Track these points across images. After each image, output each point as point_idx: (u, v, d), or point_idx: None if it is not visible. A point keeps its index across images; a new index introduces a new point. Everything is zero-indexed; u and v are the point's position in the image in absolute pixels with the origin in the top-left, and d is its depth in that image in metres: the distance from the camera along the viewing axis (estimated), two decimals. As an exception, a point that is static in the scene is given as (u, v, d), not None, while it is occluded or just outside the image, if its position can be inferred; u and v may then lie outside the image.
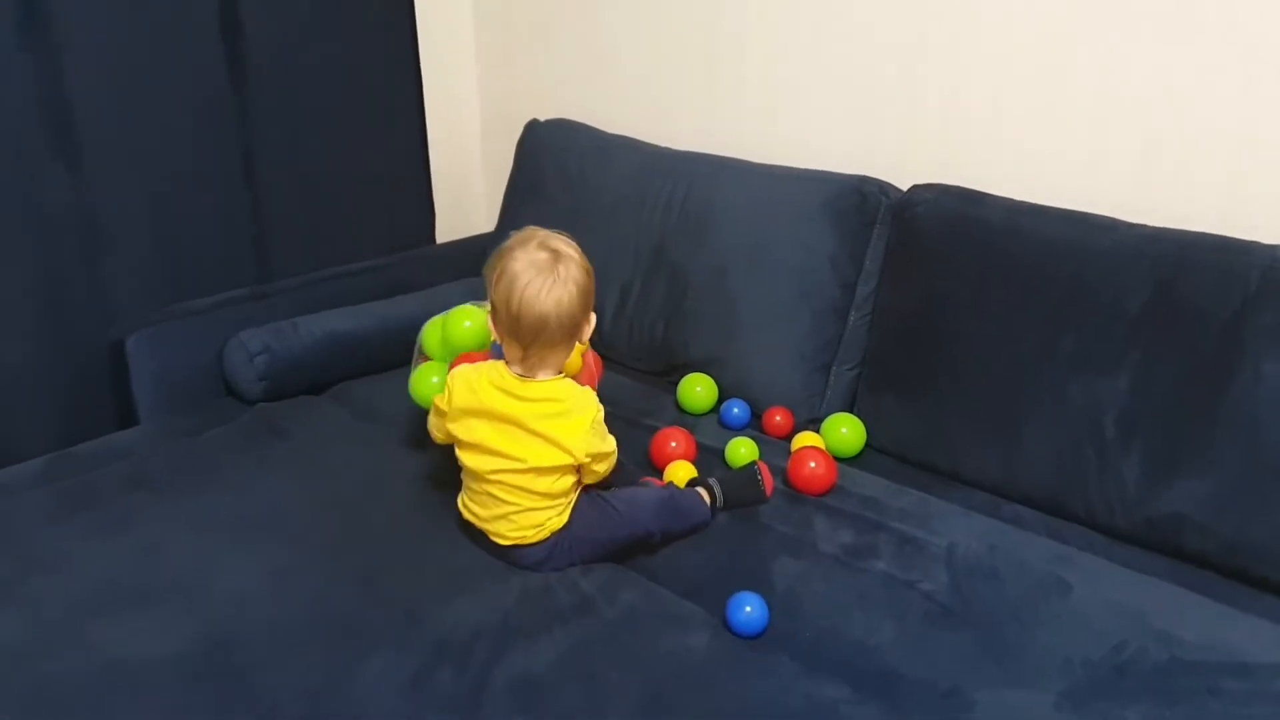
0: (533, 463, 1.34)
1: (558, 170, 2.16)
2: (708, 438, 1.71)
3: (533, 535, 1.37)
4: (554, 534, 1.38)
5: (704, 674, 1.20)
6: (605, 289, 2.02)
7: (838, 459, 1.67)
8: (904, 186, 1.75)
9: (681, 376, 1.88)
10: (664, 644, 1.24)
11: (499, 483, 1.36)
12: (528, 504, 1.36)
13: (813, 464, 1.54)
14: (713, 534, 1.47)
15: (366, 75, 2.21)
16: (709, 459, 1.65)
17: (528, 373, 1.36)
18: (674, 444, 1.63)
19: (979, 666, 1.21)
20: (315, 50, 2.08)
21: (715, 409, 1.83)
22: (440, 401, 1.41)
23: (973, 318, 1.58)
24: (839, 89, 1.87)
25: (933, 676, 1.19)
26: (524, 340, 1.33)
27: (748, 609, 1.26)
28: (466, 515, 1.43)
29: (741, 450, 1.63)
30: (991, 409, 1.56)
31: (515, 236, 1.38)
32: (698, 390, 1.82)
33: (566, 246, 1.36)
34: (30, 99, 1.69)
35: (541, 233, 1.38)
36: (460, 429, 1.39)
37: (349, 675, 1.18)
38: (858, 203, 1.73)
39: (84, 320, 1.84)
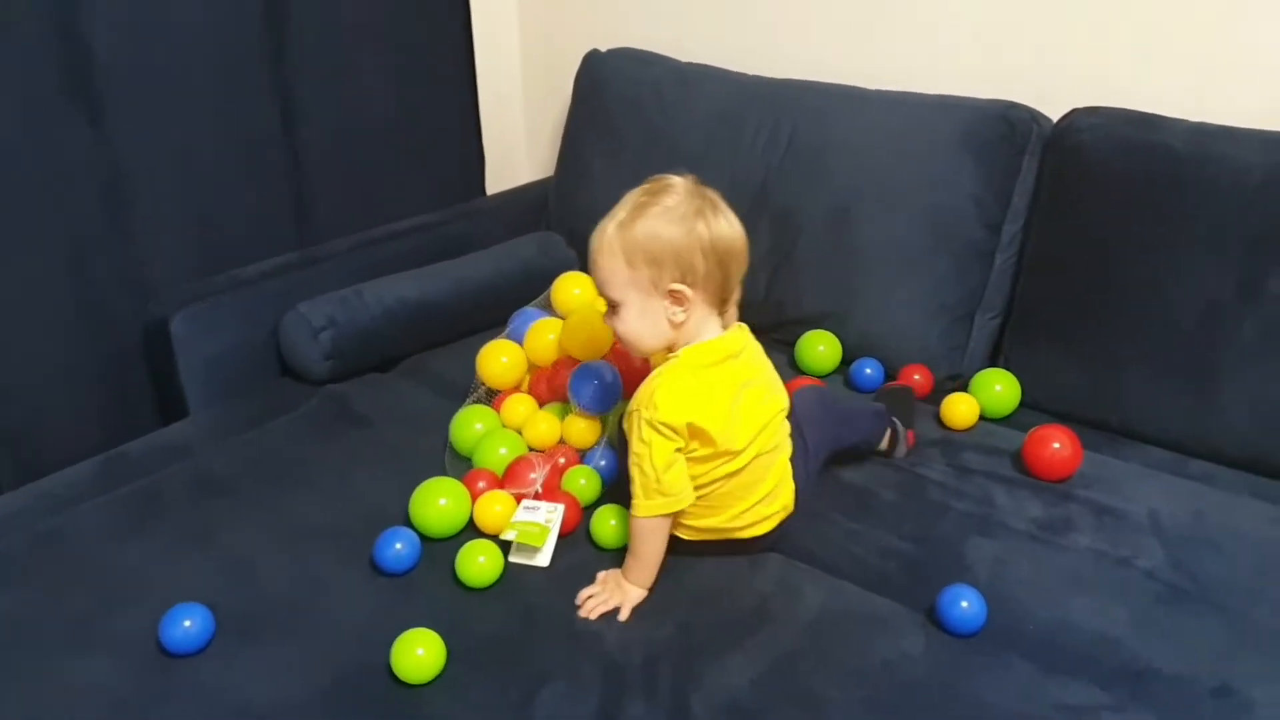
0: (785, 401, 1.22)
1: (629, 106, 1.93)
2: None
3: (787, 493, 1.23)
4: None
5: (934, 684, 1.04)
6: (692, 239, 1.82)
7: (990, 419, 1.51)
8: (1049, 113, 1.55)
9: (792, 334, 1.68)
10: (878, 652, 1.08)
11: (775, 449, 1.20)
12: (783, 463, 1.22)
13: (1056, 445, 1.33)
14: (885, 515, 1.30)
15: (410, 13, 1.95)
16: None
17: (731, 321, 1.19)
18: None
19: (1238, 656, 1.06)
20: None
21: (838, 370, 1.65)
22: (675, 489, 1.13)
23: (1154, 257, 1.40)
24: (966, 3, 1.66)
25: (1192, 671, 1.04)
26: (732, 283, 1.14)
27: (964, 604, 1.10)
28: (698, 532, 1.20)
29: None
30: (1179, 359, 1.39)
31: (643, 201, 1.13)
32: (820, 349, 1.63)
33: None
34: (44, 39, 1.43)
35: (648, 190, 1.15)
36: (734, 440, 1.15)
37: (525, 715, 1.00)
38: (1004, 132, 1.53)
39: (115, 297, 1.60)
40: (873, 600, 1.16)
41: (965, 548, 1.23)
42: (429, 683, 1.03)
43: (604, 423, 1.38)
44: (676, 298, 1.11)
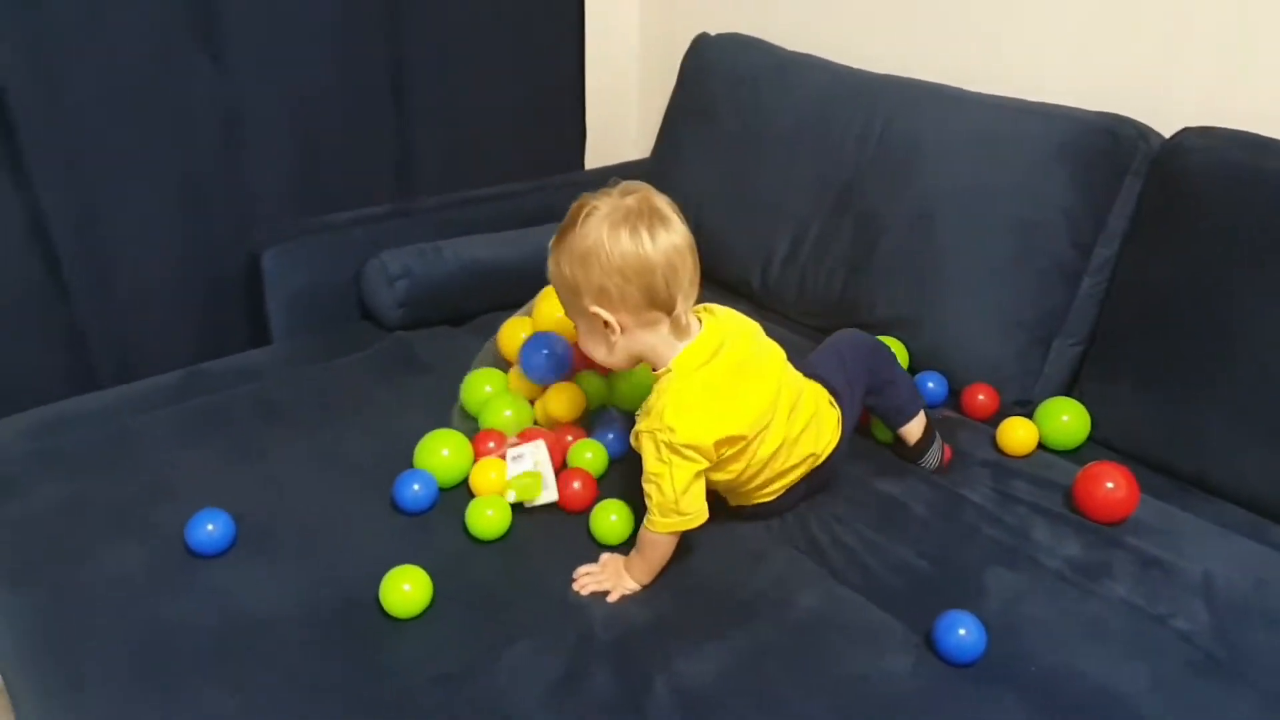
0: (780, 350, 1.24)
1: (729, 91, 1.91)
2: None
3: (831, 411, 1.27)
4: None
5: (908, 706, 1.00)
6: (777, 229, 1.79)
7: (1052, 450, 1.42)
8: (1162, 130, 1.44)
9: (863, 337, 1.63)
10: (857, 665, 1.04)
11: (799, 397, 1.22)
12: (810, 391, 1.25)
13: (1110, 484, 1.25)
14: (911, 530, 1.25)
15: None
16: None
17: (701, 314, 1.18)
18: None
19: (1266, 741, 0.96)
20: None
21: (903, 379, 1.58)
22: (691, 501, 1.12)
23: (1256, 296, 1.28)
24: (1081, 7, 1.56)
25: (1207, 747, 0.95)
26: (693, 283, 1.12)
27: (961, 631, 1.04)
28: (776, 491, 1.24)
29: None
30: (1268, 411, 1.26)
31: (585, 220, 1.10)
32: (886, 355, 1.57)
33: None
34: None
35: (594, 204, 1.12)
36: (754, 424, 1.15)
37: (492, 662, 1.02)
38: (1107, 147, 1.43)
39: (222, 228, 1.73)
40: (871, 613, 1.11)
41: (985, 576, 1.17)
42: (412, 618, 1.07)
43: (587, 396, 1.37)
44: (602, 320, 1.10)
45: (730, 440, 1.12)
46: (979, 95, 1.60)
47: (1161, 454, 1.37)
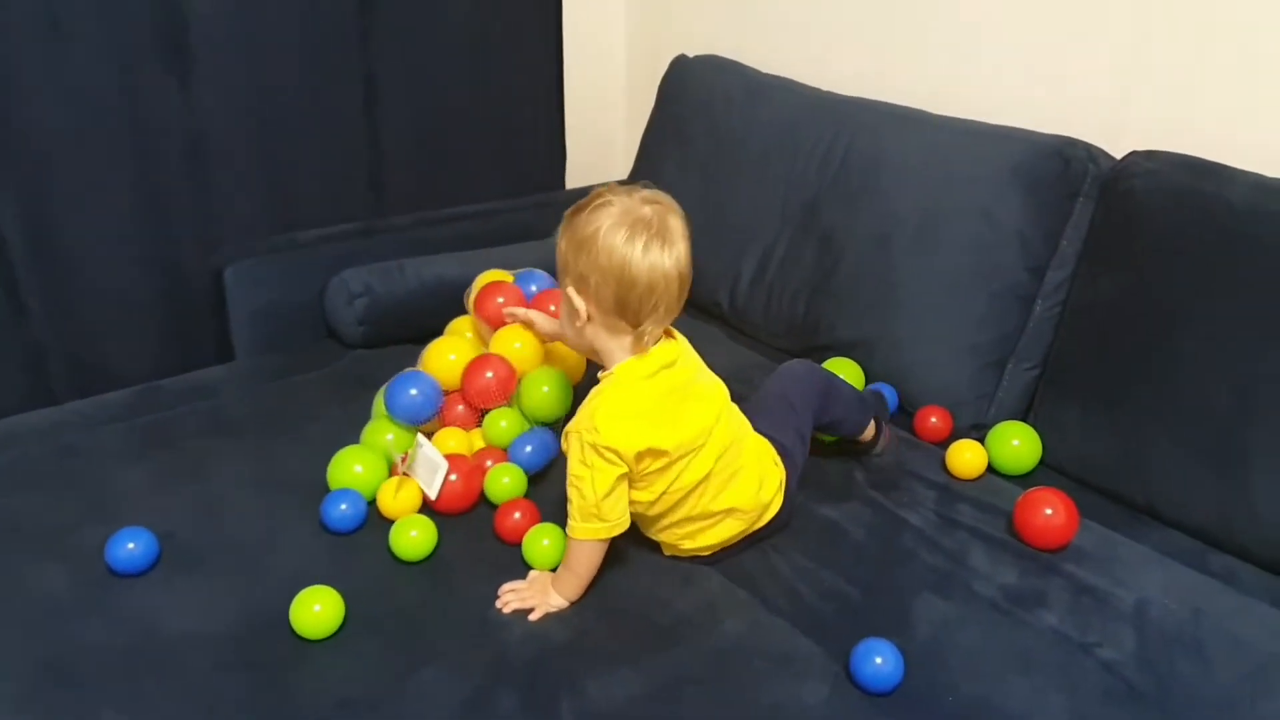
0: (725, 390, 1.22)
1: (703, 112, 1.91)
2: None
3: (776, 472, 1.23)
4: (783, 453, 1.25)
5: (817, 738, 0.98)
6: (745, 250, 1.79)
7: (1003, 475, 1.40)
8: (1116, 153, 1.42)
9: (820, 359, 1.61)
10: (771, 692, 1.02)
11: (735, 441, 1.18)
12: (752, 442, 1.22)
13: (1049, 511, 1.22)
14: (846, 555, 1.24)
15: (499, 10, 2.01)
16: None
17: (669, 337, 1.18)
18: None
19: (1175, 776, 0.94)
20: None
21: (857, 400, 1.57)
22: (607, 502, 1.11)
23: (1199, 321, 1.26)
24: (1040, 32, 1.54)
25: (1114, 781, 0.93)
26: (669, 311, 1.12)
27: (878, 660, 1.02)
28: (712, 547, 1.21)
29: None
30: (1211, 436, 1.24)
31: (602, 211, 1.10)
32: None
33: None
34: (144, 8, 1.58)
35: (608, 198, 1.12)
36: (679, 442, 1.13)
37: (398, 687, 1.01)
38: (1059, 170, 1.41)
39: (188, 246, 1.74)
40: (794, 640, 1.10)
41: (914, 603, 1.15)
42: (324, 640, 1.07)
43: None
44: (575, 304, 1.11)
45: (653, 453, 1.11)
46: (938, 117, 1.59)
47: (1112, 481, 1.35)
